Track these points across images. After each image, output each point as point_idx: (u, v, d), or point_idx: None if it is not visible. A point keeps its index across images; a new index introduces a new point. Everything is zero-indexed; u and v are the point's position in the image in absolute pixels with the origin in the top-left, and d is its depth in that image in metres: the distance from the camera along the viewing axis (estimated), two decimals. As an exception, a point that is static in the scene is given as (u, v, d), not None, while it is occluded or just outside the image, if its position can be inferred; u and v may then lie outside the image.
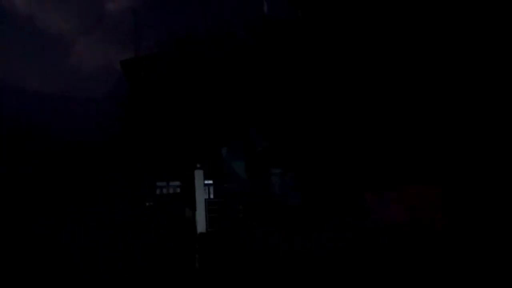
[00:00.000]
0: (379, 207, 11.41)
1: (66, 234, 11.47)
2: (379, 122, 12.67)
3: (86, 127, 16.41)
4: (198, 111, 14.44)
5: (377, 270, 8.58)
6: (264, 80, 14.25)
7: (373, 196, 11.73)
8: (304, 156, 13.49)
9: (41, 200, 13.47)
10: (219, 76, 14.67)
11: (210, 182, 12.65)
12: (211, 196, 12.64)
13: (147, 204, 12.30)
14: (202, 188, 12.71)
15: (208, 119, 14.27)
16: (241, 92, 14.19)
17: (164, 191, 12.89)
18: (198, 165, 12.68)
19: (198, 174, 12.78)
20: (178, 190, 13.04)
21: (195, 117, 14.37)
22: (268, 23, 15.12)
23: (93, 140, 15.84)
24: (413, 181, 11.21)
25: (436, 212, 10.69)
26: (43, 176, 14.63)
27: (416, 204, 10.97)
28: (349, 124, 13.07)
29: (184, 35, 16.06)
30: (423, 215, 10.75)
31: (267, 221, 12.17)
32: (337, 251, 9.49)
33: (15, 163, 15.03)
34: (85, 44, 18.05)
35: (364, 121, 12.88)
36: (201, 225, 12.43)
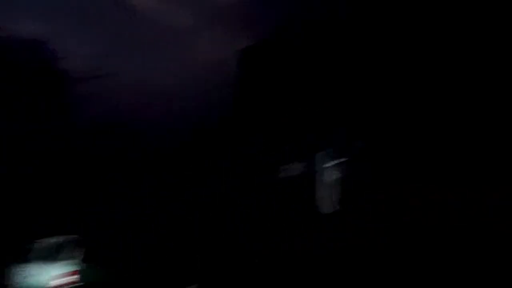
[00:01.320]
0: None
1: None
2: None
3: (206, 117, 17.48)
4: (313, 94, 14.51)
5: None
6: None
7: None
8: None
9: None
10: (327, 61, 14.50)
11: (335, 162, 12.80)
12: (335, 178, 12.81)
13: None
14: (324, 170, 12.97)
15: (324, 103, 14.26)
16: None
17: (289, 173, 13.40)
18: (320, 148, 12.92)
19: (320, 157, 13.06)
20: (301, 172, 13.44)
21: (311, 101, 14.48)
22: None
23: (213, 128, 16.86)
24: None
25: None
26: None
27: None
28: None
29: (293, 22, 16.16)
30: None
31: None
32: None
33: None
34: (203, 37, 19.27)
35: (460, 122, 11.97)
36: (325, 206, 12.77)
